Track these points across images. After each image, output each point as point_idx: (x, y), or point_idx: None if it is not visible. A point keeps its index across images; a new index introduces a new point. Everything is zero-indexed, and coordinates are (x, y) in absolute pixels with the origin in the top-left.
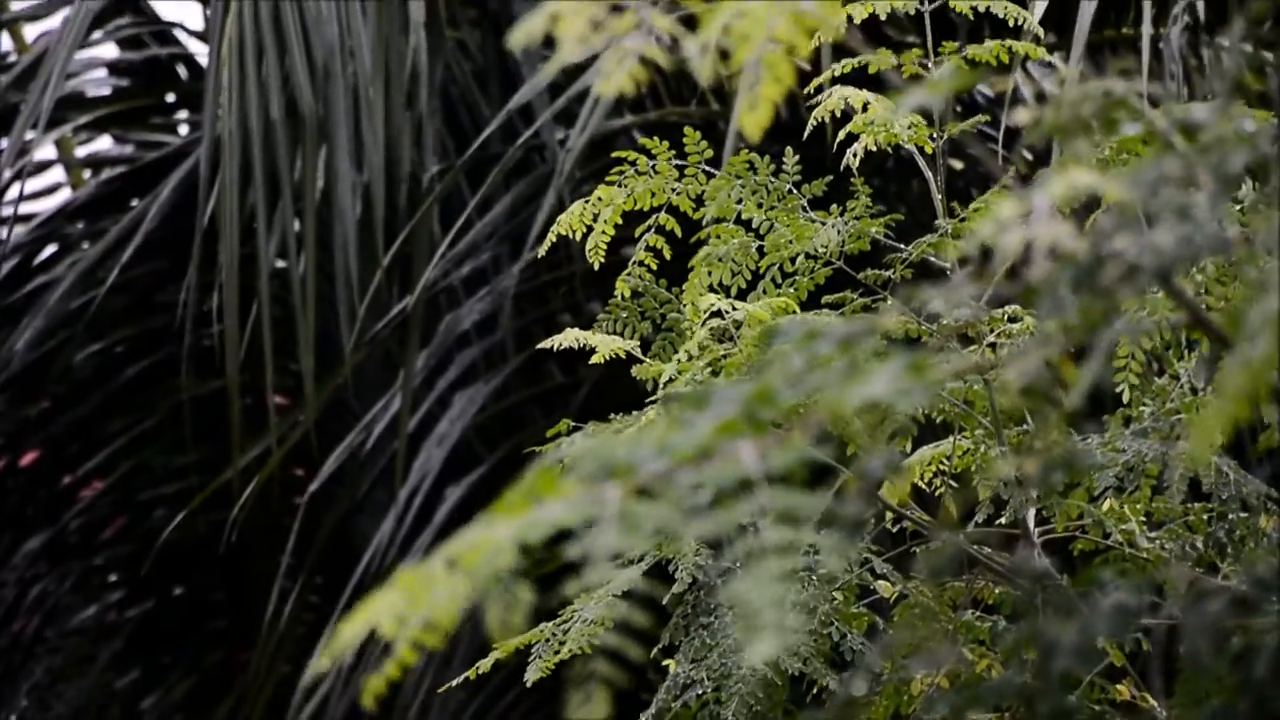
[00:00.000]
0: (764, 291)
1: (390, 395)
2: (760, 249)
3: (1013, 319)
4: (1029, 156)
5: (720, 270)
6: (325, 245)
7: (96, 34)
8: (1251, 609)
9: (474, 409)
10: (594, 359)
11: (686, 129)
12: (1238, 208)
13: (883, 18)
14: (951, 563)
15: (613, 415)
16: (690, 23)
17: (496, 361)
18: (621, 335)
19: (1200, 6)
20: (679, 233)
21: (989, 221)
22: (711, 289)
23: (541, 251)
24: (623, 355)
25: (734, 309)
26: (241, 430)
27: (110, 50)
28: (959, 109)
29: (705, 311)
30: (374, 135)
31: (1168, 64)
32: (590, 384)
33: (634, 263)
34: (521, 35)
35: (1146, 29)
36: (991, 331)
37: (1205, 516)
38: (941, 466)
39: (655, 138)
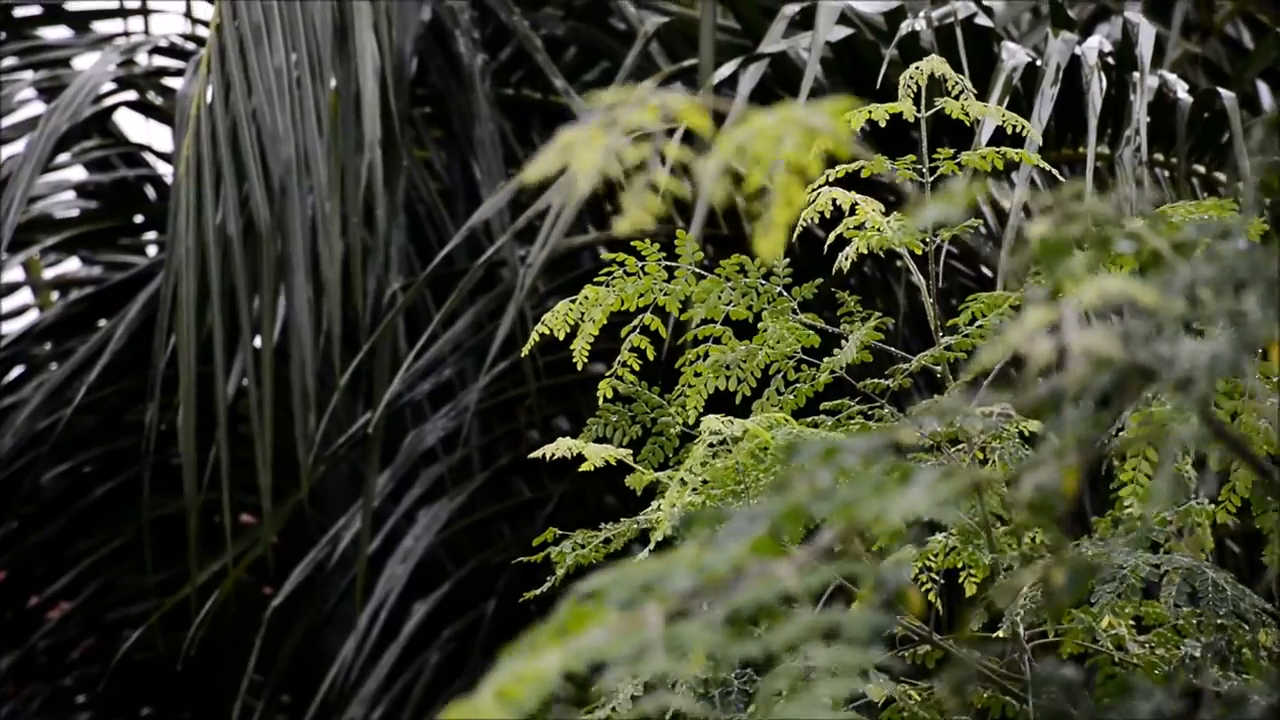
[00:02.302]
0: (767, 399)
1: (354, 511)
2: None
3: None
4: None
5: (720, 377)
6: (286, 361)
7: (65, 156)
8: None
9: (439, 525)
10: (582, 467)
11: (679, 232)
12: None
13: (881, 124)
14: (965, 674)
15: (602, 525)
16: (690, 139)
17: (462, 477)
18: (610, 440)
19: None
20: (665, 334)
21: (1017, 328)
22: (714, 397)
23: (524, 352)
24: (612, 462)
25: (731, 424)
26: (207, 548)
27: (79, 172)
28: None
29: (706, 432)
30: (329, 251)
31: (1120, 183)
32: (557, 499)
33: (619, 363)
34: (535, 171)
35: (1091, 150)
36: (983, 439)
37: (1195, 622)
38: (928, 563)
39: (619, 253)
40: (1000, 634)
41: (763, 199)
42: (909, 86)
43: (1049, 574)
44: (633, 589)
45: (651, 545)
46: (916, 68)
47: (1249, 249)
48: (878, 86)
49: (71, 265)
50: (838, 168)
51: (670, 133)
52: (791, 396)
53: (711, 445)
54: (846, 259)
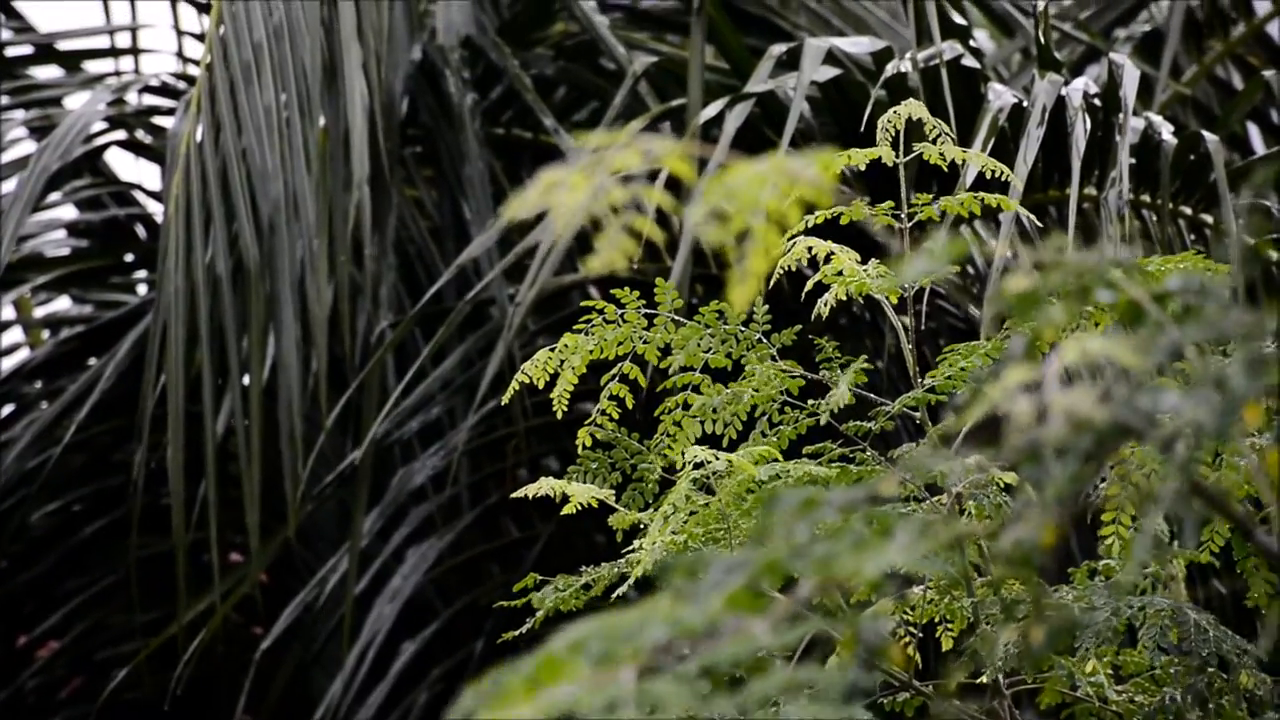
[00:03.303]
0: (752, 442)
1: (343, 551)
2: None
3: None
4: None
5: (708, 421)
6: (275, 400)
7: (56, 195)
8: None
9: (427, 564)
10: (566, 509)
11: (658, 280)
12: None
13: (861, 168)
14: None
15: (584, 568)
16: (674, 183)
17: (451, 516)
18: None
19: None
20: (644, 382)
21: (998, 387)
22: (699, 441)
23: (505, 399)
24: (594, 504)
25: (716, 458)
26: (197, 587)
27: (70, 211)
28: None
29: (689, 462)
30: (316, 290)
31: (1105, 225)
32: (546, 538)
33: (598, 411)
34: (516, 208)
35: (1075, 191)
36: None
37: (1172, 670)
38: (906, 616)
39: (602, 299)
40: (982, 680)
41: (742, 245)
42: (887, 130)
43: (1028, 630)
44: (608, 641)
45: (629, 583)
46: (895, 111)
47: (1232, 307)
48: (863, 127)
49: (62, 304)
50: (817, 213)
51: (654, 175)
52: (775, 440)
53: (695, 480)
54: (826, 305)
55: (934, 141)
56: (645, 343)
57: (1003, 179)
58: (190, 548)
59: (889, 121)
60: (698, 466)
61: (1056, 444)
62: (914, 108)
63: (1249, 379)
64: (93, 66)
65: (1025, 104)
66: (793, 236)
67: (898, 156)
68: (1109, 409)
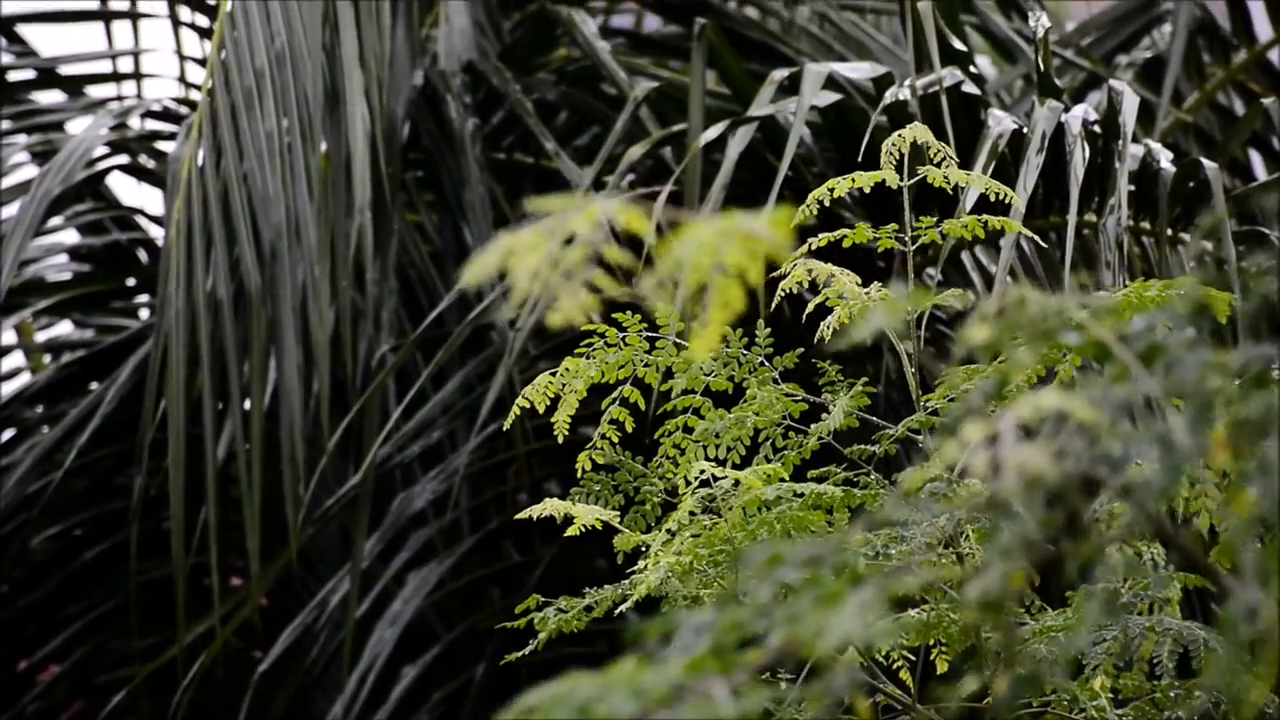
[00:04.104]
0: (756, 465)
1: (343, 574)
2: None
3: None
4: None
5: (711, 445)
6: (276, 423)
7: (58, 220)
8: None
9: (428, 588)
10: (570, 530)
11: (660, 304)
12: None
13: (866, 190)
14: None
15: (586, 590)
16: (637, 245)
17: (452, 540)
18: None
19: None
20: (644, 406)
21: (952, 443)
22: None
23: (506, 424)
24: (598, 526)
25: (723, 475)
26: (198, 611)
27: (72, 236)
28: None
29: (695, 478)
30: (318, 314)
31: (1104, 251)
32: (547, 562)
33: (599, 435)
34: (475, 272)
35: (1073, 218)
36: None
37: (1172, 695)
38: (900, 640)
39: (612, 315)
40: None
41: (702, 298)
42: (891, 154)
43: (994, 682)
44: (571, 710)
45: (630, 604)
46: (899, 135)
47: (1196, 347)
48: (863, 152)
49: (64, 328)
50: (820, 236)
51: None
52: (779, 465)
53: (700, 499)
54: (828, 329)
55: (938, 165)
56: (646, 366)
57: (1006, 200)
58: (191, 572)
59: (893, 145)
60: (704, 484)
61: (1013, 497)
62: (919, 131)
63: (1194, 436)
64: (95, 91)
65: (1025, 130)
66: (790, 261)
67: (902, 179)
68: (1061, 463)
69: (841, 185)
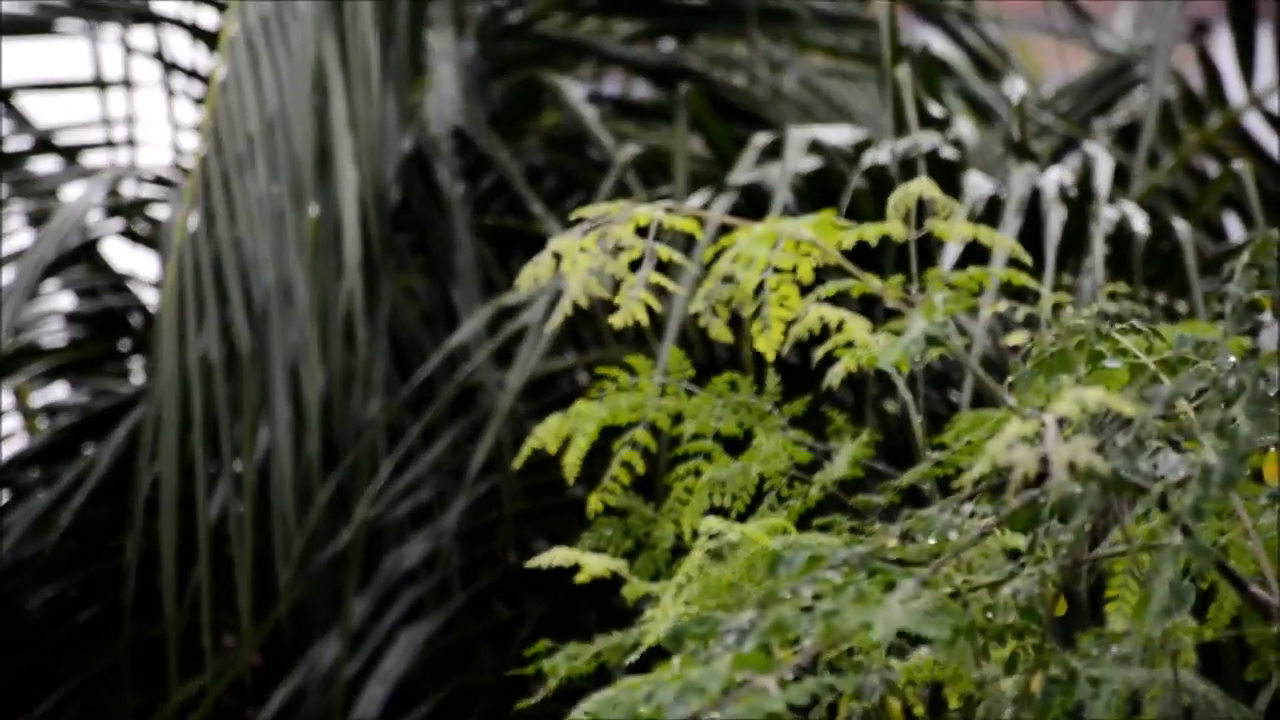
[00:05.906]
0: (760, 515)
1: (333, 632)
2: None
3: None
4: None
5: (716, 493)
6: (267, 482)
7: (52, 285)
8: None
9: (418, 646)
10: (578, 578)
11: (673, 350)
12: None
13: (873, 244)
14: None
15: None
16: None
17: (442, 598)
18: (604, 553)
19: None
20: (655, 448)
21: (998, 440)
22: (709, 512)
23: (516, 465)
24: (589, 582)
25: (732, 528)
26: (191, 670)
27: (66, 300)
28: None
29: (705, 533)
30: (309, 375)
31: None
32: (538, 620)
33: (609, 477)
34: (528, 277)
35: (1049, 280)
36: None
37: None
38: (912, 677)
39: (601, 375)
40: None
41: (758, 299)
42: (898, 208)
43: (1028, 681)
44: (626, 710)
45: (639, 653)
46: (905, 189)
47: (1235, 364)
48: (843, 213)
49: (59, 391)
50: (828, 284)
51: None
52: (784, 515)
53: (709, 551)
54: (837, 377)
55: (945, 219)
56: (657, 410)
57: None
58: (184, 631)
59: (899, 201)
60: (712, 537)
61: (1055, 497)
62: (925, 187)
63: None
64: (89, 159)
65: (1002, 195)
66: (803, 307)
67: (909, 233)
68: (1109, 460)
69: (849, 237)
